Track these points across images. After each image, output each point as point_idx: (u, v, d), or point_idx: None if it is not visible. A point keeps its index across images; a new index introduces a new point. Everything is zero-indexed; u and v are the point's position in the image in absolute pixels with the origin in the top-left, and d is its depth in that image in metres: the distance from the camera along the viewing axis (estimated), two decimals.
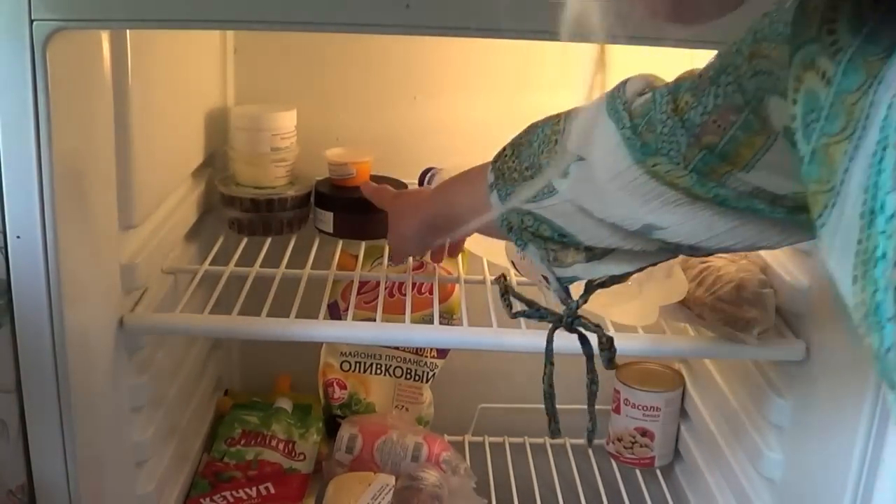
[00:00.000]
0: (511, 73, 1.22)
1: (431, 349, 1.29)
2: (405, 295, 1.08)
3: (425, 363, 1.30)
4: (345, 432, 1.22)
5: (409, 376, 1.30)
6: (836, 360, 0.90)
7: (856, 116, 0.39)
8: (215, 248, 1.17)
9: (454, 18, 0.72)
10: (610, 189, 0.63)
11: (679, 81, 0.61)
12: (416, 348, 1.29)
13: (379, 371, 1.29)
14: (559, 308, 0.76)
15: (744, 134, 0.55)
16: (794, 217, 0.59)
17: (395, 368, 1.29)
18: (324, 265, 1.13)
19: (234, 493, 1.16)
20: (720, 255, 1.04)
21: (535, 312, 0.78)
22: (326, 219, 1.18)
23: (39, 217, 0.75)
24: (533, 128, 0.74)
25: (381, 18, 0.72)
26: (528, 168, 0.72)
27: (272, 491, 1.17)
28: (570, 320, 0.75)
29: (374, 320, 0.98)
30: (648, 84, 0.64)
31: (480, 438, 1.36)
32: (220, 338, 1.30)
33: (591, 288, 0.74)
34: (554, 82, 1.00)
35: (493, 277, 1.11)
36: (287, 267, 1.10)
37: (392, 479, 1.14)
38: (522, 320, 0.95)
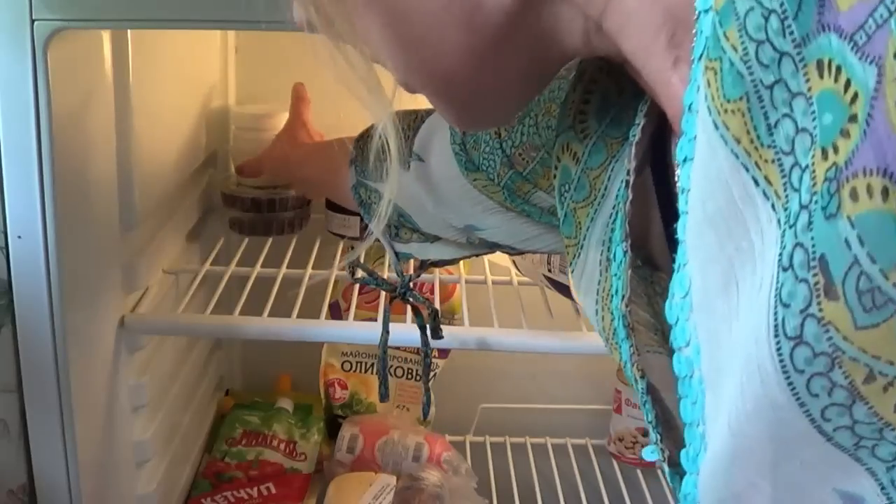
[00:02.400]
0: None
1: (433, 349, 1.29)
2: None
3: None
4: (346, 432, 1.22)
5: (410, 376, 1.30)
6: None
7: (597, 187, 0.49)
8: (216, 249, 1.17)
9: None
10: (441, 190, 0.71)
11: None
12: (418, 348, 1.29)
13: None
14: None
15: (542, 168, 0.62)
16: None
17: (396, 368, 1.29)
18: (325, 265, 1.12)
19: (234, 493, 1.16)
20: None
21: (373, 280, 0.85)
22: (352, 224, 1.16)
23: (40, 217, 0.75)
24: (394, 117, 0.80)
25: None
26: (383, 152, 0.76)
27: (273, 491, 1.17)
28: (404, 291, 0.83)
29: (376, 320, 0.98)
30: None
31: (482, 438, 1.36)
32: (222, 338, 1.30)
33: (424, 265, 0.83)
34: None
35: (492, 278, 1.11)
36: (288, 267, 1.10)
37: (393, 480, 1.14)
38: (524, 321, 0.96)
